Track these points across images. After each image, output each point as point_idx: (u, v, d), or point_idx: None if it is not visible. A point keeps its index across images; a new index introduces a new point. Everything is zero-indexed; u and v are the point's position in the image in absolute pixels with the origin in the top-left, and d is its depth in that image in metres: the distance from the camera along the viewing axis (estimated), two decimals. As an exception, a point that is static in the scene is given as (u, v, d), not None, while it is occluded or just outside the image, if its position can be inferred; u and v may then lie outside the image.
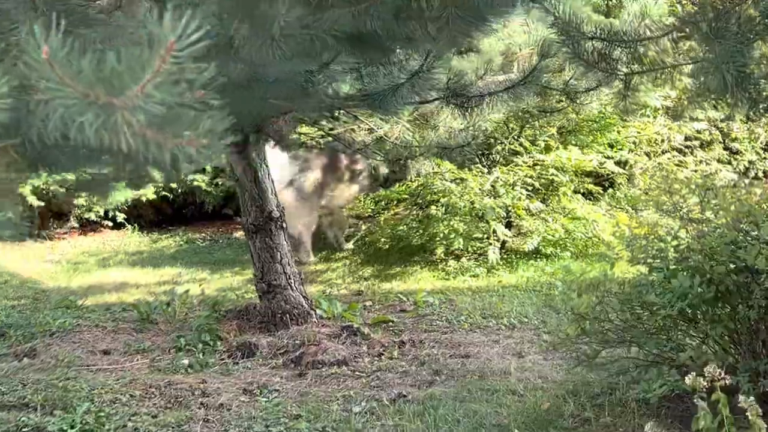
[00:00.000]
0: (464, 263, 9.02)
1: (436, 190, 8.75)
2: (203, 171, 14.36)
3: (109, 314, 7.60)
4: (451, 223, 8.51)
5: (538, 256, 9.10)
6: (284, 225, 6.71)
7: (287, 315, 6.62)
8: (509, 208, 8.59)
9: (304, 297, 6.79)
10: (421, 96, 5.31)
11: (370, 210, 9.52)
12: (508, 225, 9.30)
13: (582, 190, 9.54)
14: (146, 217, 15.14)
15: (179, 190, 14.47)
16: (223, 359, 6.10)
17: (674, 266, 4.30)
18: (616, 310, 4.50)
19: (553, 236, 8.67)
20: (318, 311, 6.95)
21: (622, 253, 4.90)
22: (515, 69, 6.72)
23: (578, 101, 6.79)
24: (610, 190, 9.95)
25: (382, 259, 10.18)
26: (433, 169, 8.15)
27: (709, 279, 4.08)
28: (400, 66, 4.60)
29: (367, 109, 4.93)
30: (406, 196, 9.30)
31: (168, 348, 6.37)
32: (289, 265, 6.74)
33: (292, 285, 6.72)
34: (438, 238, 8.64)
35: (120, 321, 7.27)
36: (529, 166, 8.86)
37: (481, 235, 8.82)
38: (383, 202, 9.52)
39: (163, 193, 14.48)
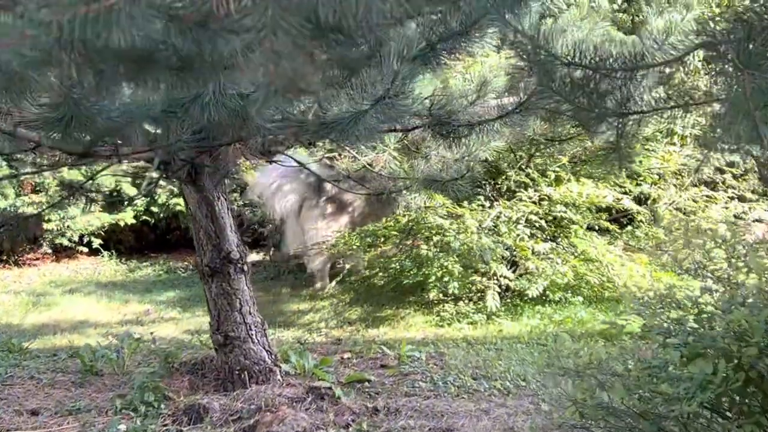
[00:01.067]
0: (461, 307, 8.34)
1: (428, 227, 8.07)
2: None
3: (51, 362, 6.96)
4: (445, 264, 7.82)
5: (546, 301, 8.38)
6: (245, 268, 6.05)
7: (246, 372, 5.95)
8: (512, 249, 7.90)
9: (267, 350, 6.11)
10: (396, 124, 4.67)
11: (355, 246, 8.82)
12: (512, 265, 8.62)
13: (596, 226, 8.83)
14: (126, 242, 14.56)
15: (161, 215, 13.86)
16: (166, 425, 5.41)
17: (694, 342, 3.59)
18: (622, 396, 3.78)
19: (561, 280, 7.94)
20: (285, 366, 6.28)
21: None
22: (521, 92, 6.06)
23: (592, 129, 6.07)
24: (629, 228, 9.22)
25: (373, 298, 9.53)
26: (424, 203, 7.45)
27: (738, 363, 3.38)
28: (362, 89, 3.94)
29: (325, 139, 4.24)
30: (395, 233, 8.61)
31: (106, 409, 5.69)
32: (250, 314, 6.07)
33: (253, 337, 6.05)
34: (431, 281, 7.94)
35: (60, 372, 6.61)
36: (533, 202, 8.15)
37: (479, 278, 8.11)
38: (369, 239, 8.84)
39: (144, 217, 13.89)
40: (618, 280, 7.98)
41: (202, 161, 5.10)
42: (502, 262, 7.90)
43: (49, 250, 13.82)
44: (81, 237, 13.67)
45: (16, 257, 13.66)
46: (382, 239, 8.75)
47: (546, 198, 8.21)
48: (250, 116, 3.62)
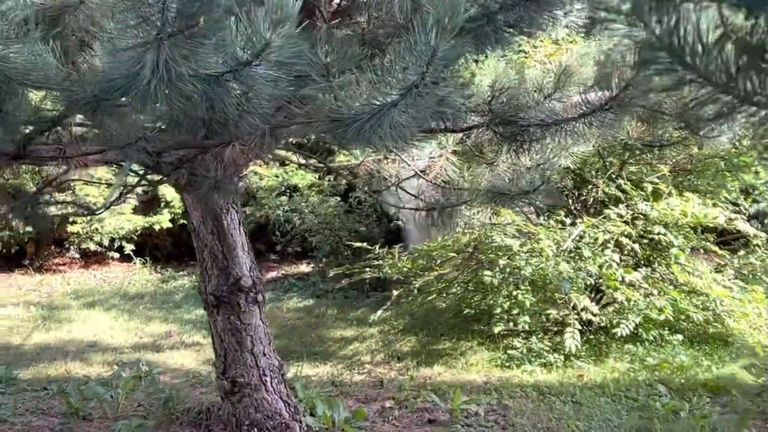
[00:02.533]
0: (533, 344, 7.32)
1: (494, 248, 7.07)
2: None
3: (36, 399, 6.22)
4: (514, 293, 6.81)
5: (637, 339, 7.29)
6: (260, 298, 5.18)
7: (257, 428, 5.10)
8: (600, 279, 6.84)
9: (284, 401, 5.24)
10: (440, 122, 3.76)
11: (406, 269, 7.87)
12: (596, 293, 7.56)
13: (701, 249, 7.70)
14: (162, 248, 13.92)
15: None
16: (151, 496, 4.59)
17: None
18: None
19: (658, 316, 6.86)
20: (308, 420, 5.40)
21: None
22: (614, 84, 5.03)
23: (702, 132, 4.99)
24: (742, 253, 8.05)
25: (431, 327, 8.60)
26: (490, 219, 6.45)
27: None
28: (390, 73, 3.03)
29: (341, 141, 3.32)
30: (453, 254, 7.63)
31: (82, 469, 4.90)
32: (264, 355, 5.22)
33: (268, 384, 5.19)
34: (497, 312, 6.95)
35: (42, 413, 5.85)
36: (626, 221, 7.06)
37: (555, 311, 7.09)
38: (422, 260, 7.88)
39: (182, 221, 13.17)
40: (728, 318, 6.86)
41: (194, 166, 4.23)
42: (584, 292, 6.84)
43: (77, 255, 13.22)
44: (112, 241, 13.04)
45: (41, 262, 13.11)
46: (438, 261, 7.79)
47: (641, 216, 7.11)
48: (220, 108, 2.74)
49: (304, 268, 13.13)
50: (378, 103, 3.12)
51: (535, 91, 4.43)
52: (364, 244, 8.08)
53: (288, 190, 12.79)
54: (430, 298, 7.74)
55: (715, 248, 7.60)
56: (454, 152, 6.15)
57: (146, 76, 2.39)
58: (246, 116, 3.00)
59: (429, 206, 5.52)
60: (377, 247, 8.12)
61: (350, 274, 8.46)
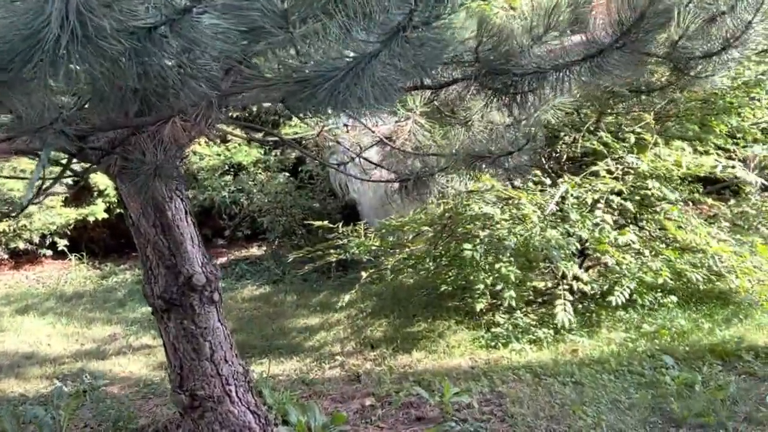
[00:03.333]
0: (519, 320, 6.86)
1: (472, 218, 6.56)
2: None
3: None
4: (498, 267, 6.32)
5: (630, 305, 6.87)
6: (216, 296, 4.62)
7: (224, 446, 4.55)
8: (586, 242, 6.37)
9: (253, 412, 4.72)
10: (424, 77, 3.25)
11: (375, 248, 7.31)
12: (581, 257, 7.12)
13: (690, 201, 7.29)
14: (99, 241, 13.20)
15: (138, 206, 12.40)
16: None
17: None
18: None
19: (654, 279, 6.44)
20: (281, 430, 4.88)
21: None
22: (593, 25, 4.52)
23: (692, 73, 4.51)
24: (733, 202, 7.66)
25: (402, 307, 8.11)
26: (466, 186, 5.92)
27: None
28: (369, 19, 2.50)
29: (310, 106, 2.76)
30: (426, 228, 7.11)
31: None
32: (226, 362, 4.68)
33: (233, 394, 4.67)
34: (477, 289, 6.46)
35: (-28, 445, 5.22)
36: (613, 177, 6.58)
37: (543, 284, 6.63)
38: (392, 237, 7.35)
39: (119, 210, 12.45)
40: (730, 275, 6.46)
41: (128, 150, 3.65)
42: (572, 260, 6.38)
43: (5, 256, 12.45)
44: (44, 237, 12.29)
45: (-35, 265, 12.35)
46: (410, 237, 7.26)
47: (631, 170, 6.63)
48: (156, 72, 2.19)
49: (256, 251, 12.53)
50: (353, 55, 2.59)
51: (523, 34, 3.93)
52: (325, 223, 7.49)
53: (232, 169, 12.17)
54: (401, 277, 7.22)
55: (707, 199, 7.18)
56: (423, 114, 5.66)
57: (53, 32, 1.81)
58: (189, 82, 2.43)
59: (402, 177, 4.98)
60: (340, 226, 7.54)
61: (312, 257, 7.90)
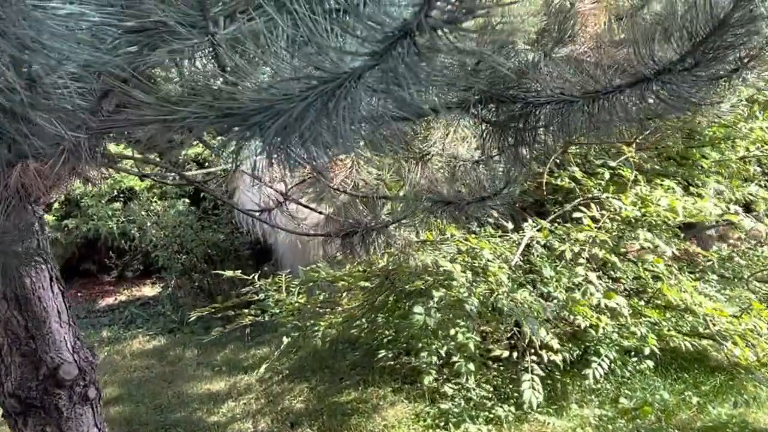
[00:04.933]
0: (472, 392, 5.94)
1: (419, 273, 5.61)
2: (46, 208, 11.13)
3: None
4: (454, 333, 5.37)
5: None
6: (93, 392, 3.57)
7: None
8: (562, 304, 5.47)
9: None
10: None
11: (298, 306, 6.28)
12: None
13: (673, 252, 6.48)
14: None
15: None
16: None
17: None
18: None
19: (637, 346, 5.62)
20: None
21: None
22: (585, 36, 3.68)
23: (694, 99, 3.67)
24: (716, 248, 6.90)
25: (325, 366, 7.12)
26: (418, 234, 4.96)
27: None
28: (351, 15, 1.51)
29: (231, 152, 1.77)
30: (365, 284, 6.13)
31: None
32: (106, 482, 3.60)
33: None
34: (425, 362, 5.51)
35: None
36: (596, 226, 5.70)
37: (503, 351, 5.72)
38: (322, 293, 6.36)
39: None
40: (726, 342, 5.67)
41: None
42: (543, 324, 5.47)
43: None
44: None
45: None
46: (342, 294, 6.28)
47: (614, 216, 5.76)
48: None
49: (149, 291, 11.39)
50: (320, 74, 1.66)
51: (529, 45, 3.04)
52: (237, 273, 6.42)
53: (122, 195, 11.02)
54: (328, 338, 6.21)
55: (692, 246, 6.38)
56: (367, 145, 4.70)
57: None
58: (30, 115, 1.43)
59: (345, 230, 4.02)
60: (255, 277, 6.46)
61: (223, 317, 6.85)
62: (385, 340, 6.43)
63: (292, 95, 1.58)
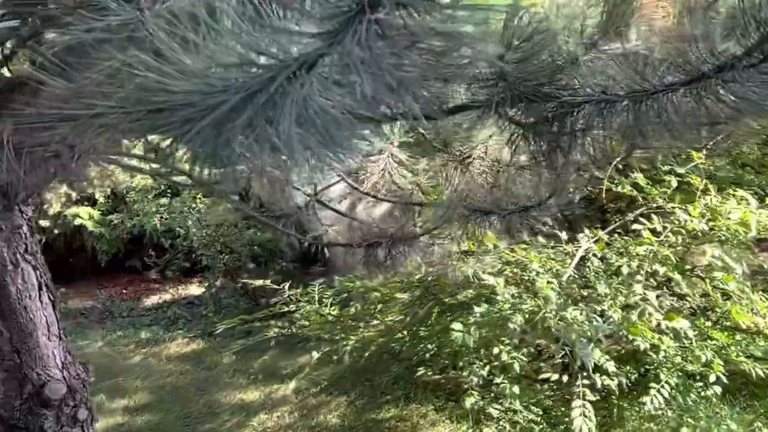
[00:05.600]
0: (519, 416, 5.56)
1: (462, 286, 5.27)
2: (87, 202, 11.05)
3: None
4: (497, 352, 5.01)
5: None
6: (83, 413, 3.31)
7: None
8: (617, 325, 5.05)
9: None
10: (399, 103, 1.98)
11: (330, 321, 5.95)
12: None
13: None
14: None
15: (54, 230, 11.11)
16: None
17: None
18: None
19: (702, 371, 5.20)
20: None
21: None
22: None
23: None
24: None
25: (365, 378, 6.79)
26: (459, 244, 4.59)
27: None
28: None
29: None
30: (402, 296, 5.81)
31: None
32: None
33: None
34: (466, 382, 5.15)
35: None
36: (658, 240, 5.27)
37: (552, 374, 5.33)
38: (356, 305, 6.05)
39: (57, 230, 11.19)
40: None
41: None
42: (597, 345, 5.06)
43: None
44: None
45: None
46: (377, 307, 5.95)
47: (681, 230, 5.32)
48: None
49: (195, 290, 11.20)
50: (269, 60, 1.31)
51: (572, 35, 2.68)
52: (266, 283, 6.12)
53: (170, 190, 10.85)
54: (367, 353, 5.87)
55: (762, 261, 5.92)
56: (403, 144, 4.42)
57: None
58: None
59: (369, 239, 3.69)
60: (286, 286, 6.15)
61: (249, 330, 6.59)
62: (428, 354, 6.09)
63: (230, 86, 1.27)
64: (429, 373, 6.17)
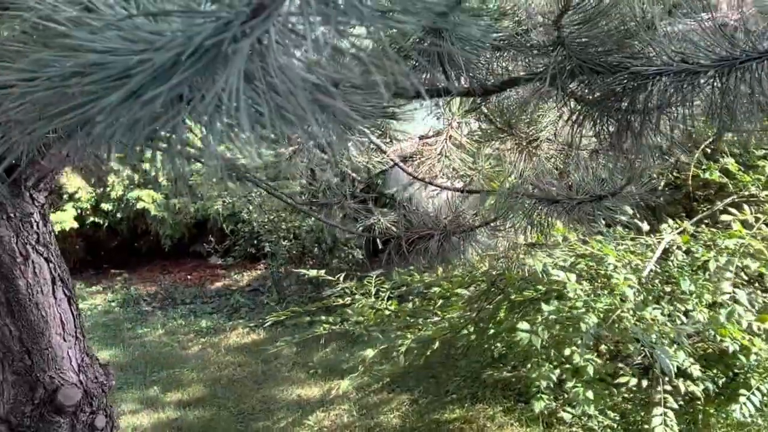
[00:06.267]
0: (594, 422, 5.21)
1: (530, 283, 4.90)
2: (152, 185, 10.93)
3: None
4: (569, 354, 4.64)
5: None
6: (101, 421, 3.07)
7: None
8: (703, 326, 4.64)
9: None
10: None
11: (384, 318, 5.62)
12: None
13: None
14: (73, 255, 11.74)
15: (117, 214, 11.01)
16: None
17: None
18: None
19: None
20: None
21: None
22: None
23: None
24: None
25: (430, 376, 6.50)
26: (525, 236, 4.24)
27: None
28: None
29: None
30: (464, 291, 5.46)
31: None
32: None
33: None
34: (537, 384, 4.79)
35: None
36: (749, 233, 4.82)
37: (631, 378, 4.94)
38: (414, 300, 5.72)
39: (93, 218, 11.06)
40: None
41: None
42: (676, 344, 4.65)
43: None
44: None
45: None
46: (438, 303, 5.61)
47: (774, 221, 4.89)
48: None
49: (260, 275, 11.02)
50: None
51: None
52: (320, 273, 5.82)
53: (235, 174, 10.64)
54: (428, 352, 5.54)
55: None
56: (462, 125, 4.08)
57: None
58: None
59: (419, 232, 3.38)
60: (341, 278, 5.84)
61: (311, 320, 6.31)
62: (496, 353, 5.75)
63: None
64: (496, 374, 5.85)
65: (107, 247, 12.13)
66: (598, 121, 2.10)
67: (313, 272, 5.86)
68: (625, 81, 1.91)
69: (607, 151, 3.05)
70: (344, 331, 6.55)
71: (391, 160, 3.91)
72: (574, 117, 2.16)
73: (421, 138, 4.18)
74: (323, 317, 5.71)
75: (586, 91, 2.04)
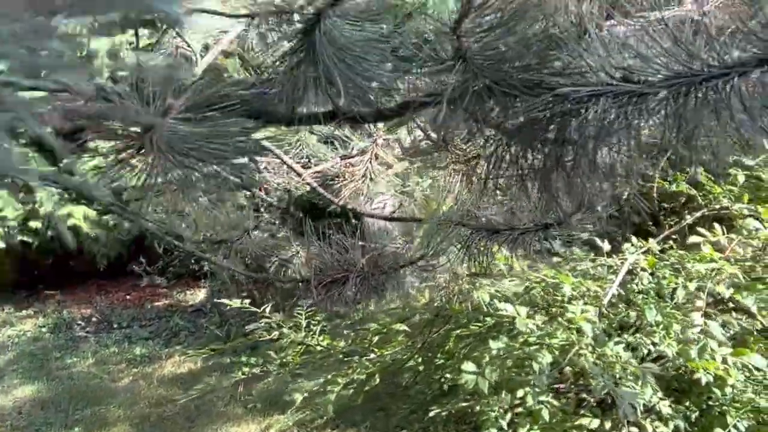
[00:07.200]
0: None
1: (474, 318, 4.50)
2: (82, 200, 10.44)
3: None
4: (524, 394, 4.23)
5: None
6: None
7: None
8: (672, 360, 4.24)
9: None
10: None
11: (317, 353, 5.20)
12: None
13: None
14: (2, 275, 11.26)
15: (47, 232, 10.52)
16: None
17: None
18: None
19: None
20: None
21: None
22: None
23: None
24: None
25: (378, 408, 6.06)
26: (468, 267, 3.82)
27: None
28: None
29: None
30: (403, 327, 5.05)
31: None
32: None
33: None
34: (485, 427, 4.38)
35: None
36: (722, 256, 4.43)
37: (592, 419, 4.54)
38: (347, 336, 5.31)
39: (22, 237, 10.57)
40: None
41: None
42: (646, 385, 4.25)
43: None
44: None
45: None
46: (374, 339, 5.20)
47: (747, 240, 4.49)
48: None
49: (203, 295, 10.55)
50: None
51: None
52: (243, 303, 5.38)
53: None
54: (367, 388, 5.13)
55: None
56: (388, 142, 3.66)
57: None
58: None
59: (332, 275, 2.95)
60: (267, 309, 5.40)
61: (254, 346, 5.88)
62: (446, 386, 5.35)
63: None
64: (449, 405, 5.45)
65: (40, 267, 11.63)
66: (520, 156, 1.67)
67: (236, 302, 5.40)
68: (552, 105, 1.48)
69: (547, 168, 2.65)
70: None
71: (307, 184, 3.49)
72: (490, 149, 1.73)
73: (342, 158, 3.75)
74: (244, 358, 5.30)
75: (502, 117, 1.60)
